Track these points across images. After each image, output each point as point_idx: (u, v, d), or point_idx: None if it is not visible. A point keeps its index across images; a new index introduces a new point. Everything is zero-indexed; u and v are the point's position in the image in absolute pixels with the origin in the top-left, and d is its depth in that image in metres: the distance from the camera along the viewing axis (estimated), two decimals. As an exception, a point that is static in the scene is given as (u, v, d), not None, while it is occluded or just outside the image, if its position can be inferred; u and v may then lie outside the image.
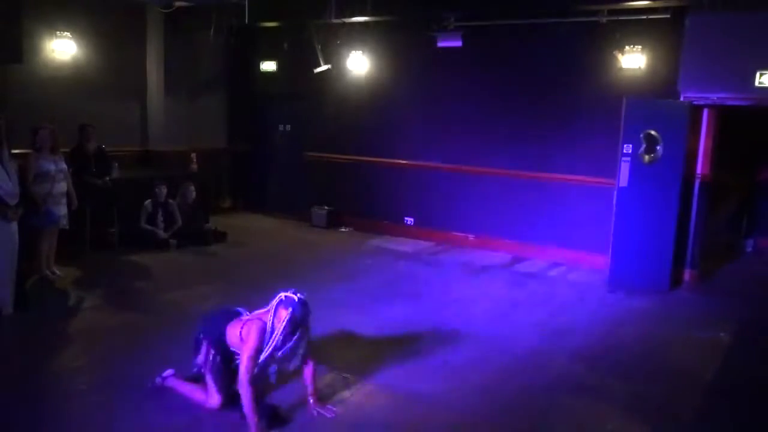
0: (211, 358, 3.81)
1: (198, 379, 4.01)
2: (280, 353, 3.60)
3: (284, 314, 3.57)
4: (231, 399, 3.78)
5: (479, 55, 8.39)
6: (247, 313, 3.89)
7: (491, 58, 8.36)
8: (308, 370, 3.85)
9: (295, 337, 3.58)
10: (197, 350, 3.92)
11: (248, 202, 11.06)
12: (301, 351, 3.65)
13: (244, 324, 3.74)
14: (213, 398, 3.82)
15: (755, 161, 9.15)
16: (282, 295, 3.66)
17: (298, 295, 3.66)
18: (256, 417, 3.54)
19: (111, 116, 8.91)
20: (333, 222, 9.81)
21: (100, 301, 6.00)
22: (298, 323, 3.57)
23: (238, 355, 3.72)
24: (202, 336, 3.89)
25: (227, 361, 3.80)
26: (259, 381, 3.67)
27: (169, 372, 4.12)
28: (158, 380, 4.09)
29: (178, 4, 8.73)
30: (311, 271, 7.24)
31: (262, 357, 3.61)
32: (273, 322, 3.60)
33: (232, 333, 3.78)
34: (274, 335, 3.59)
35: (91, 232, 7.68)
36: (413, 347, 5.07)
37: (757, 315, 6.39)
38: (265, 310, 3.71)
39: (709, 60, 6.72)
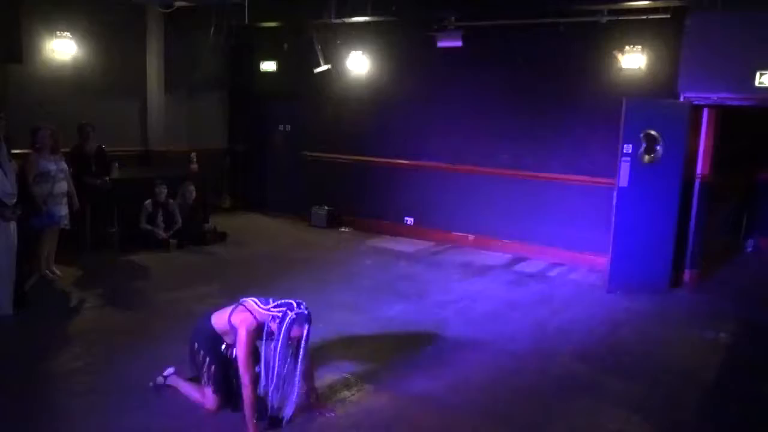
0: (206, 366, 3.79)
1: (198, 379, 4.00)
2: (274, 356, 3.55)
3: (276, 325, 3.52)
4: (228, 401, 3.77)
5: (479, 55, 8.38)
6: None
7: (491, 58, 8.35)
8: (302, 369, 3.67)
9: (283, 344, 3.50)
10: (193, 360, 3.89)
11: (248, 202, 11.05)
12: (293, 360, 3.56)
13: (233, 312, 3.68)
14: (209, 401, 3.82)
15: (755, 161, 9.15)
16: (282, 304, 3.59)
17: (297, 308, 3.56)
18: (255, 417, 3.54)
19: (111, 116, 8.93)
20: (333, 222, 9.81)
21: (101, 301, 6.00)
22: (290, 335, 3.50)
23: (232, 347, 3.69)
24: (197, 346, 3.86)
25: (224, 367, 3.78)
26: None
27: (170, 370, 4.12)
28: (159, 379, 4.09)
29: (178, 4, 8.73)
30: (311, 271, 7.24)
31: (262, 361, 3.58)
32: (268, 325, 3.56)
33: (220, 320, 3.73)
34: (265, 337, 3.57)
35: (91, 232, 7.68)
36: (413, 347, 5.07)
37: (757, 315, 6.39)
38: (264, 309, 3.64)
39: (708, 60, 6.71)
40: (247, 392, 3.52)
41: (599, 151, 7.53)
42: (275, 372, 3.53)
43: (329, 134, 10.00)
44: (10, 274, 5.36)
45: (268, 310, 3.61)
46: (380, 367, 4.63)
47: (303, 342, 3.53)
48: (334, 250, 8.44)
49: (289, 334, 3.49)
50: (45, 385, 4.21)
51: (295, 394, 3.65)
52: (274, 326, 3.53)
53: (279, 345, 3.49)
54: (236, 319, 3.64)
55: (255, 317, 3.62)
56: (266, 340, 3.61)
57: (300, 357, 3.53)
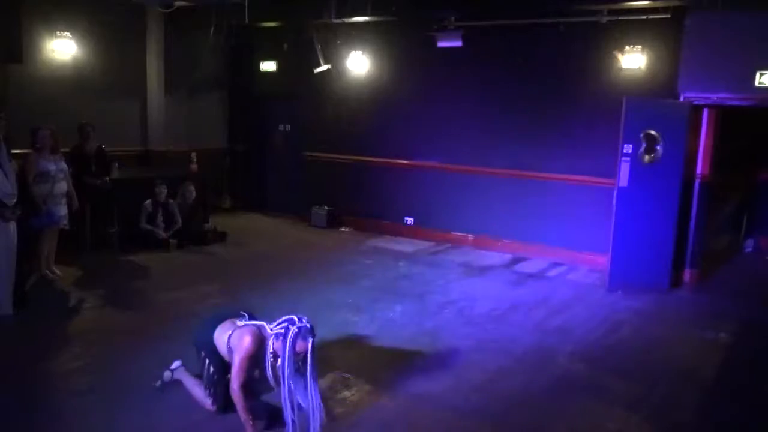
0: (206, 368, 3.78)
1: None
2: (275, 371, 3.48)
3: (280, 343, 3.43)
4: (226, 407, 3.74)
5: (479, 55, 8.39)
6: (245, 318, 3.77)
7: (491, 58, 8.36)
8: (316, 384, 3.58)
9: (290, 360, 3.40)
10: (198, 356, 3.89)
11: (248, 202, 11.05)
12: (302, 377, 3.45)
13: (233, 332, 3.62)
14: (207, 403, 3.81)
15: (755, 161, 9.15)
16: (283, 321, 3.50)
17: (299, 323, 3.46)
18: (251, 419, 3.53)
19: (111, 116, 8.93)
20: (333, 222, 9.81)
21: (100, 301, 6.00)
22: (295, 350, 3.41)
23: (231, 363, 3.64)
24: (198, 346, 3.84)
25: (223, 371, 3.74)
26: (254, 386, 3.65)
27: (176, 363, 4.11)
28: (167, 374, 4.08)
29: (178, 4, 8.73)
30: (311, 272, 7.24)
31: (267, 373, 3.51)
32: (273, 345, 3.48)
33: (220, 340, 3.69)
34: (268, 355, 3.50)
35: (91, 232, 7.68)
36: (413, 347, 5.07)
37: (757, 315, 6.39)
38: (268, 327, 3.56)
39: (708, 60, 6.71)
40: (236, 397, 3.50)
41: (599, 151, 7.53)
42: (286, 390, 3.42)
43: (329, 134, 10.00)
44: (10, 274, 5.36)
45: (270, 329, 3.54)
46: (380, 367, 4.64)
47: (309, 356, 3.41)
48: (334, 250, 8.44)
49: (294, 348, 3.40)
50: (45, 385, 4.21)
51: (315, 413, 3.48)
52: (278, 345, 3.44)
53: (286, 361, 3.38)
54: (235, 340, 3.57)
55: (260, 330, 3.55)
56: (271, 366, 3.50)
57: (309, 371, 3.41)
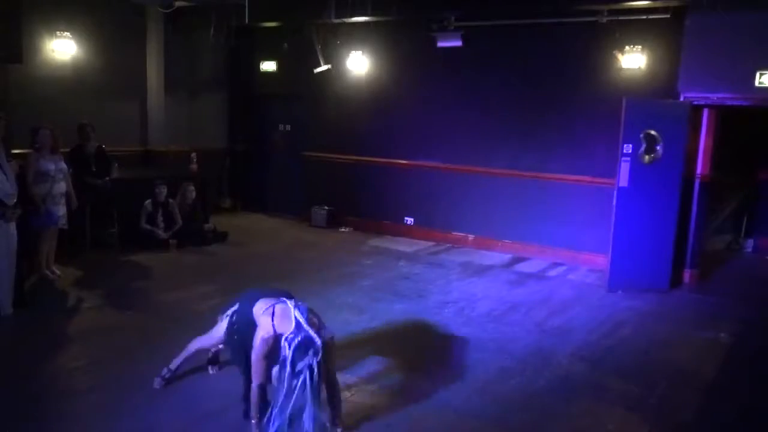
0: (232, 331, 3.73)
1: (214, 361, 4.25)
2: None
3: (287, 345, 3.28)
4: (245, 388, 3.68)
5: (479, 55, 8.39)
6: (284, 300, 3.54)
7: (491, 58, 8.36)
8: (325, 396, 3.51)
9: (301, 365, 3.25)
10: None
11: (248, 202, 11.06)
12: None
13: (266, 310, 3.47)
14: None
15: (755, 161, 9.15)
16: (295, 319, 3.36)
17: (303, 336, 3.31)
18: (259, 417, 3.52)
19: (111, 116, 8.94)
20: (333, 222, 9.81)
21: (100, 301, 6.00)
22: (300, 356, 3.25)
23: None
24: (234, 313, 3.75)
25: (246, 343, 3.56)
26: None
27: (176, 362, 4.17)
28: (165, 371, 4.10)
29: (178, 4, 8.73)
30: (311, 272, 7.24)
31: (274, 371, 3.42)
32: (284, 335, 3.35)
33: (258, 308, 3.54)
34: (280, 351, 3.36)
35: (91, 232, 7.68)
36: (413, 348, 5.07)
37: (757, 315, 6.39)
38: (295, 317, 3.39)
39: (709, 60, 6.72)
40: (253, 394, 3.46)
41: (599, 151, 7.53)
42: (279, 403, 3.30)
43: (329, 134, 10.01)
44: (10, 274, 5.36)
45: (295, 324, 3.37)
46: (380, 367, 4.63)
47: (308, 379, 3.23)
48: (335, 250, 8.44)
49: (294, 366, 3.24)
50: (45, 385, 4.21)
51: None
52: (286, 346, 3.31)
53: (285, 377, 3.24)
54: (260, 321, 3.47)
55: (274, 328, 3.40)
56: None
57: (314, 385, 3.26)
